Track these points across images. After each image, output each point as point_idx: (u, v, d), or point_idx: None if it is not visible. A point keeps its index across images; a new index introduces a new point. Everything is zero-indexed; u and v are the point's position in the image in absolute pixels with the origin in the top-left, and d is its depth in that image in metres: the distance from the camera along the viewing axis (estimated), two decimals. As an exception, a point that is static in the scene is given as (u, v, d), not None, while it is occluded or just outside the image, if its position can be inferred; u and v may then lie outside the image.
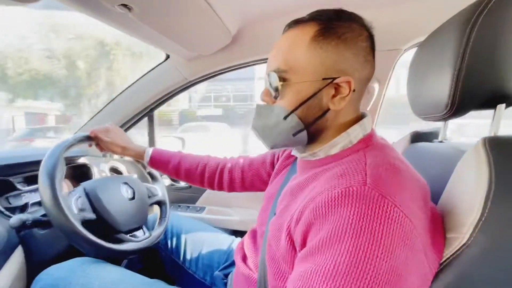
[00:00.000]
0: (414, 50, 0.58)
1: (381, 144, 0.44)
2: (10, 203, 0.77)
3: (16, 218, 0.59)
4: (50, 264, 0.63)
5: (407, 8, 0.81)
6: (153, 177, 0.92)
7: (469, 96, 0.42)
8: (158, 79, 1.10)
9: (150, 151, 0.78)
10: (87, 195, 0.67)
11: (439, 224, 0.38)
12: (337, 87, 0.41)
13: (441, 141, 0.61)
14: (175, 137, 1.48)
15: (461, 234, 0.34)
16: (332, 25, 0.41)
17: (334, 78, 0.40)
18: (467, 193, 0.36)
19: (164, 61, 1.07)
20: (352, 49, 0.41)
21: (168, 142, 1.46)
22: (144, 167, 0.91)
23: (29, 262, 0.68)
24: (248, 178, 0.76)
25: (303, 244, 0.37)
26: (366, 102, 0.95)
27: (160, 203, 0.87)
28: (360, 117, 0.45)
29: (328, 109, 0.42)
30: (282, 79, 0.42)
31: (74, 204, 0.62)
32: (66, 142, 0.66)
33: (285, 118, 0.43)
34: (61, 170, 0.61)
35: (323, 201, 0.34)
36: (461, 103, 0.42)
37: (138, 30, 0.76)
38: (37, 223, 0.61)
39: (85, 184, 0.69)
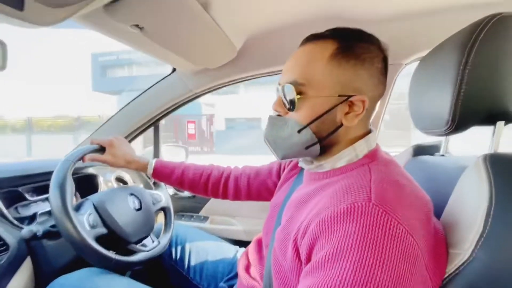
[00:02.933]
0: (415, 64, 0.59)
1: (385, 159, 0.45)
2: (19, 213, 0.78)
3: (27, 230, 0.60)
4: (59, 274, 0.64)
5: (409, 23, 0.84)
6: (156, 184, 0.93)
7: (469, 113, 0.43)
8: (164, 91, 1.13)
9: (153, 163, 0.78)
10: (97, 210, 0.68)
11: (442, 240, 0.39)
12: (351, 105, 0.43)
13: (442, 155, 0.62)
14: (177, 146, 1.50)
15: (463, 250, 0.35)
16: (352, 45, 0.42)
17: (350, 96, 0.42)
18: (468, 209, 0.37)
19: (171, 73, 1.10)
20: (369, 69, 0.43)
21: (170, 152, 1.47)
22: (148, 175, 0.92)
23: (38, 272, 0.69)
24: (254, 187, 0.76)
25: (308, 258, 0.37)
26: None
27: (164, 210, 0.89)
28: (368, 133, 0.47)
29: (341, 125, 0.43)
30: (299, 92, 0.43)
31: (86, 221, 0.63)
32: (76, 153, 0.68)
33: (299, 131, 0.44)
34: (71, 182, 0.62)
35: (328, 216, 0.35)
36: (461, 119, 0.43)
37: (147, 46, 0.79)
38: (47, 234, 0.63)
39: (93, 199, 0.70)
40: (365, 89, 0.43)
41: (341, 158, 0.45)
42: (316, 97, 0.42)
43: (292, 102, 0.44)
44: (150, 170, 0.78)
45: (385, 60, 0.45)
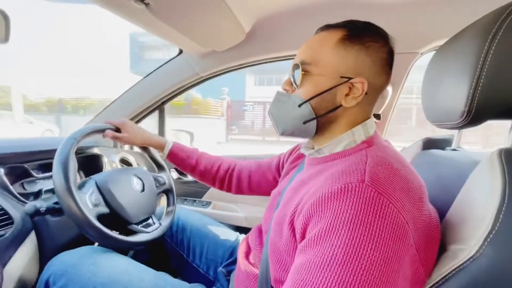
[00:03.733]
0: (431, 54, 0.56)
1: (383, 145, 0.46)
2: (25, 189, 0.79)
3: (30, 205, 0.61)
4: (62, 250, 0.65)
5: (427, 11, 0.79)
6: (159, 166, 0.93)
7: (486, 105, 0.40)
8: (171, 73, 1.11)
9: (170, 145, 0.82)
10: (99, 189, 0.68)
11: (435, 225, 0.40)
12: (352, 87, 0.45)
13: (454, 149, 0.60)
14: (183, 131, 1.49)
15: (469, 246, 0.34)
16: (359, 33, 0.45)
17: (350, 78, 0.44)
18: (478, 204, 0.36)
19: (177, 55, 1.08)
20: (372, 56, 0.45)
21: (176, 136, 1.47)
22: (151, 157, 0.92)
23: (42, 247, 0.71)
24: (255, 180, 0.79)
25: (303, 237, 0.39)
26: (379, 105, 0.93)
27: (167, 192, 0.90)
28: (365, 120, 0.48)
29: (340, 105, 0.46)
30: (304, 70, 0.46)
31: (88, 199, 0.63)
32: (81, 131, 0.68)
33: (300, 106, 0.47)
34: (74, 159, 0.63)
35: (323, 196, 0.37)
36: (478, 112, 0.41)
37: (153, 25, 0.77)
38: (50, 211, 0.64)
39: (96, 178, 0.71)
40: (367, 74, 0.45)
41: (340, 142, 0.47)
42: (319, 75, 0.45)
43: (297, 78, 0.47)
44: (166, 151, 0.82)
45: (391, 52, 0.47)
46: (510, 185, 0.33)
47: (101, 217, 0.64)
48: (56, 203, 0.65)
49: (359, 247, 0.32)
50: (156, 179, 0.87)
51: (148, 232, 0.74)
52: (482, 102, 0.40)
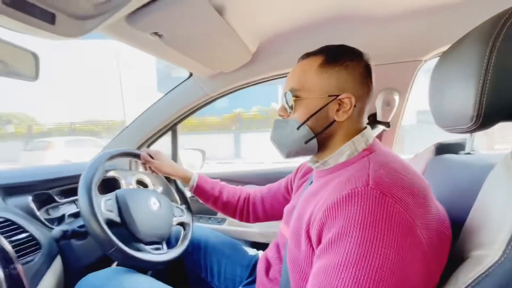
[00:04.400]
0: (435, 60, 0.58)
1: (383, 151, 0.49)
2: (49, 215, 0.83)
3: (58, 230, 0.64)
4: (86, 273, 0.67)
5: (428, 19, 0.81)
6: (183, 199, 0.96)
7: (496, 108, 0.41)
8: (182, 95, 1.16)
9: (196, 177, 0.85)
10: (117, 199, 0.71)
11: (444, 222, 0.42)
12: (341, 103, 0.49)
13: (468, 153, 0.60)
14: (195, 150, 1.52)
15: (493, 251, 0.34)
16: (336, 56, 0.51)
17: (337, 95, 0.49)
18: (498, 208, 0.36)
19: (187, 78, 1.13)
20: (352, 73, 0.50)
21: (188, 155, 1.50)
22: (177, 188, 0.96)
23: (67, 270, 0.73)
24: (268, 203, 0.81)
25: (319, 243, 0.41)
26: (387, 114, 0.94)
27: (183, 225, 0.89)
28: (364, 129, 0.52)
29: (334, 121, 0.50)
30: (295, 96, 0.51)
31: (103, 203, 0.66)
32: (105, 155, 0.72)
33: (298, 128, 0.51)
34: (99, 180, 0.66)
35: (333, 203, 0.39)
36: (487, 115, 0.41)
37: (166, 53, 0.82)
38: (75, 234, 0.66)
39: (118, 191, 0.75)
40: (351, 89, 0.49)
41: (342, 153, 0.50)
42: (310, 98, 0.50)
43: (291, 106, 0.52)
44: (192, 183, 0.84)
45: (367, 66, 0.52)
46: None
47: (110, 224, 0.65)
48: (80, 226, 0.68)
49: (371, 246, 0.34)
50: (176, 210, 0.88)
51: (152, 254, 0.72)
52: (490, 105, 0.40)
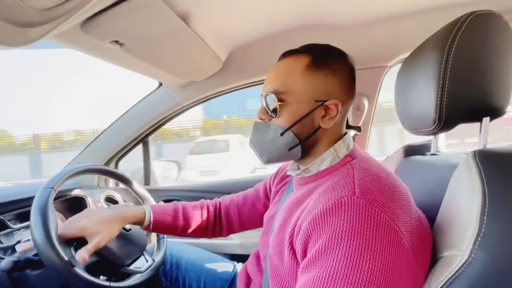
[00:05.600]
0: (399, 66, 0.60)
1: (364, 157, 0.48)
2: (1, 243, 0.74)
3: (7, 261, 0.57)
4: None
5: (390, 26, 0.85)
6: (144, 199, 0.89)
7: (455, 111, 0.43)
8: (152, 106, 1.11)
9: (149, 211, 0.65)
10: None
11: (425, 226, 0.41)
12: (327, 109, 0.47)
13: (433, 154, 0.62)
14: (169, 161, 1.47)
15: (461, 252, 0.34)
16: (323, 57, 0.48)
17: (325, 101, 0.47)
18: (462, 208, 0.36)
19: (157, 88, 1.09)
20: (339, 78, 0.48)
21: (162, 167, 1.44)
22: (134, 191, 0.87)
23: None
24: (246, 216, 0.75)
25: (304, 255, 0.39)
26: (358, 118, 0.97)
27: (157, 237, 0.84)
28: (344, 135, 0.51)
29: (319, 128, 0.48)
30: (280, 99, 0.47)
31: (73, 251, 0.59)
32: (60, 176, 0.65)
33: (282, 134, 0.48)
34: (53, 211, 0.59)
35: (319, 213, 0.38)
36: (447, 117, 0.43)
37: (130, 62, 0.78)
38: (30, 264, 0.59)
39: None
40: (338, 94, 0.48)
41: (324, 159, 0.48)
42: (295, 103, 0.47)
43: (274, 109, 0.48)
44: (147, 220, 0.65)
45: (352, 70, 0.50)
46: (489, 186, 0.33)
47: (89, 267, 0.60)
48: (35, 254, 0.61)
49: (358, 259, 0.33)
50: None
51: (142, 272, 0.69)
52: (450, 108, 0.42)
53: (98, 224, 0.58)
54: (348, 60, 0.50)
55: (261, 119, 0.51)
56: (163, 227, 0.67)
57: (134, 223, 0.65)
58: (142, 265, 0.72)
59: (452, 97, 0.42)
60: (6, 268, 0.57)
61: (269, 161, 0.52)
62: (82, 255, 0.54)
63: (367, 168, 0.43)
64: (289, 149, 0.48)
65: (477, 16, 0.41)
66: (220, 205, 0.77)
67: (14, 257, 0.59)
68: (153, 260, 0.75)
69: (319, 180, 0.48)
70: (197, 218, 0.72)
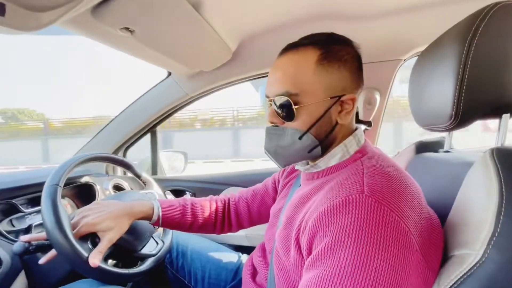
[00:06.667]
0: (414, 59, 0.58)
1: (375, 153, 0.47)
2: (14, 226, 0.76)
3: (19, 244, 0.58)
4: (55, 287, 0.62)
5: (406, 18, 0.82)
6: (146, 183, 0.90)
7: (473, 107, 0.41)
8: (160, 95, 1.11)
9: (159, 208, 0.66)
10: None
11: (437, 226, 0.40)
12: (342, 103, 0.46)
13: (447, 151, 0.60)
14: (176, 152, 1.47)
15: (475, 251, 0.33)
16: (332, 49, 0.45)
17: (340, 96, 0.45)
18: (477, 207, 0.35)
19: (166, 78, 1.08)
20: (349, 69, 0.46)
21: (168, 157, 1.44)
22: (135, 174, 0.88)
23: (33, 286, 0.67)
24: (255, 210, 0.75)
25: (309, 252, 0.39)
26: (369, 113, 0.95)
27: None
28: (355, 130, 0.49)
29: (336, 124, 0.46)
30: (295, 102, 0.44)
31: (90, 246, 0.59)
32: (71, 161, 0.66)
33: (301, 138, 0.45)
34: (63, 208, 0.59)
35: (325, 210, 0.37)
36: (465, 113, 0.41)
37: (140, 50, 0.77)
38: (40, 248, 0.60)
39: (94, 202, 0.68)
40: (351, 87, 0.46)
41: (334, 155, 0.47)
42: (312, 104, 0.44)
43: (289, 113, 0.45)
44: (156, 216, 0.66)
45: (359, 57, 0.47)
46: (507, 185, 0.32)
47: (107, 258, 0.62)
48: (46, 239, 0.62)
49: (366, 259, 0.32)
50: (147, 197, 0.83)
51: (155, 255, 0.71)
52: (468, 104, 0.41)
53: (108, 220, 0.58)
54: (353, 47, 0.47)
55: (272, 123, 0.48)
56: (171, 223, 0.68)
57: (143, 218, 0.65)
58: (153, 248, 0.73)
59: (471, 91, 0.40)
60: (18, 252, 0.58)
61: (286, 165, 0.51)
62: (94, 261, 0.53)
63: (377, 166, 0.42)
64: (309, 151, 0.46)
65: (502, 6, 0.38)
66: (229, 201, 0.77)
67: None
68: (163, 242, 0.77)
69: (327, 176, 0.46)
70: (205, 214, 0.72)
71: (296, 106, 0.44)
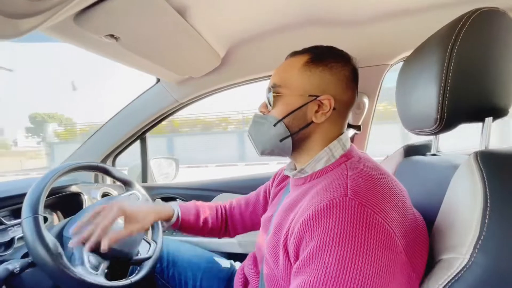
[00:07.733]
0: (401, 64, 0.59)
1: (360, 157, 0.48)
2: None
3: (3, 269, 0.55)
4: None
5: (392, 24, 0.84)
6: (126, 184, 0.85)
7: (456, 110, 0.42)
8: (149, 102, 1.10)
9: (179, 211, 0.70)
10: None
11: (422, 228, 0.41)
12: (320, 104, 0.48)
13: (434, 154, 0.61)
14: (167, 158, 1.45)
15: (462, 255, 0.33)
16: (321, 56, 0.49)
17: (318, 96, 0.48)
18: (463, 211, 0.36)
19: (155, 84, 1.07)
20: (336, 75, 0.48)
21: (159, 165, 1.42)
22: (114, 177, 0.83)
23: None
24: (248, 218, 0.77)
25: (296, 258, 0.39)
26: (358, 117, 0.95)
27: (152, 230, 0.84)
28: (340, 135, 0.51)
29: (311, 122, 0.48)
30: (276, 92, 0.50)
31: (87, 263, 0.59)
32: (43, 182, 0.63)
33: (275, 125, 0.49)
34: (48, 233, 0.58)
35: (311, 215, 0.37)
36: (449, 117, 0.42)
37: (126, 57, 0.76)
38: (25, 268, 0.58)
39: (81, 211, 0.68)
40: (333, 91, 0.48)
41: (319, 160, 0.48)
42: (290, 96, 0.49)
43: (269, 100, 0.51)
44: (175, 218, 0.69)
45: (354, 70, 0.51)
46: (491, 188, 0.32)
47: (107, 274, 0.61)
48: (27, 255, 0.60)
49: (350, 262, 0.33)
50: (130, 199, 0.81)
51: (150, 257, 0.71)
52: (452, 108, 0.41)
53: (139, 211, 0.60)
54: (349, 61, 0.50)
55: (261, 111, 0.53)
56: (187, 226, 0.71)
57: (165, 219, 0.69)
58: (146, 251, 0.74)
59: (454, 96, 0.41)
60: (2, 277, 0.55)
61: (263, 152, 0.54)
62: (105, 242, 0.52)
63: (362, 169, 0.43)
64: (280, 140, 0.49)
65: (481, 13, 0.39)
66: (226, 210, 0.80)
67: (10, 264, 0.58)
68: (155, 242, 0.76)
69: (313, 181, 0.48)
70: (212, 219, 0.76)
71: (275, 94, 0.50)
